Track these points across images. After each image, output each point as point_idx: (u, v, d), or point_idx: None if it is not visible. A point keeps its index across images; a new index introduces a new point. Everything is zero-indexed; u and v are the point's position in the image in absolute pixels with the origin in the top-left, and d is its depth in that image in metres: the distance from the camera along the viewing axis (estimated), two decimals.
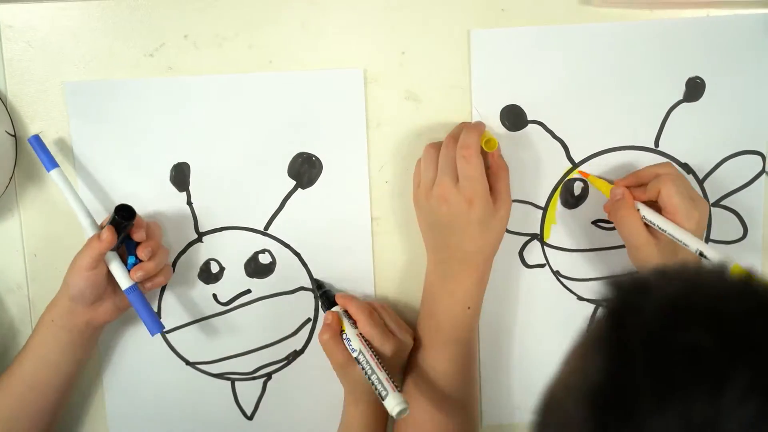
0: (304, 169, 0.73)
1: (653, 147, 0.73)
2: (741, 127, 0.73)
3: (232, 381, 0.78)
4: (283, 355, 0.76)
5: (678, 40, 0.71)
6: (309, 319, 0.76)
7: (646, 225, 0.67)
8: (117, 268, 0.68)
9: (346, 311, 0.71)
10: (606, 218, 0.73)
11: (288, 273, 0.75)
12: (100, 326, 0.71)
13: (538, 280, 0.76)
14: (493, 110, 0.72)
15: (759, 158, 0.73)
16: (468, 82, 0.71)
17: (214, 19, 0.70)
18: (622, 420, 0.32)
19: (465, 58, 0.71)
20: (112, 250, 0.68)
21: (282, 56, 0.71)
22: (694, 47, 0.71)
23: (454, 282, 0.69)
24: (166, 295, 0.75)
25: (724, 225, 0.74)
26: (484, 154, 0.68)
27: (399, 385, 0.67)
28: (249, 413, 0.78)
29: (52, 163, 0.69)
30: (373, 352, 0.67)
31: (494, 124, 0.72)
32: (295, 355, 0.76)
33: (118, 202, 0.70)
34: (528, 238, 0.75)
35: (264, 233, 0.75)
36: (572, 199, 0.74)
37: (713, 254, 0.62)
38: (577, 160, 0.73)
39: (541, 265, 0.76)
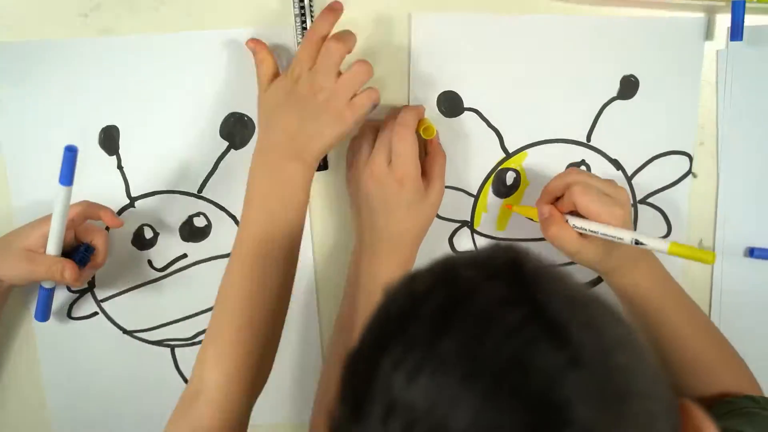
0: (237, 130, 0.72)
1: (585, 141, 0.74)
2: (671, 128, 0.74)
3: (172, 348, 0.77)
4: None
5: (616, 37, 0.72)
6: None
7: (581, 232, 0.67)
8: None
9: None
10: None
11: (224, 236, 0.74)
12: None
13: None
14: (431, 95, 0.72)
15: (686, 159, 0.75)
16: (407, 65, 0.71)
17: None
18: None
19: (405, 41, 0.71)
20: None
21: (217, 17, 0.70)
22: (631, 46, 0.72)
23: (378, 264, 0.69)
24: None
25: (649, 222, 0.76)
26: (422, 141, 0.68)
27: None
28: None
29: (69, 180, 0.64)
30: None
31: (431, 110, 0.72)
32: None
33: (46, 170, 0.69)
34: (458, 225, 0.76)
35: (198, 196, 0.74)
36: (504, 188, 0.75)
37: (647, 240, 0.63)
38: (510, 150, 0.74)
39: None
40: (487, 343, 0.36)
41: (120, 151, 0.72)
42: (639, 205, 0.76)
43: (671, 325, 0.68)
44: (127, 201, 0.73)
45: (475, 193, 0.75)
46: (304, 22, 0.68)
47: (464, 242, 0.76)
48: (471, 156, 0.73)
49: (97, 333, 0.75)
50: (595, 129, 0.74)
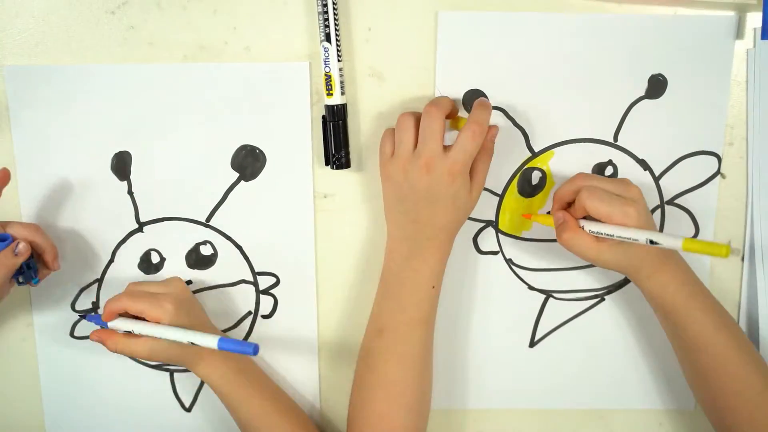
0: (248, 162, 0.73)
1: (612, 141, 0.73)
2: (699, 128, 0.73)
3: (171, 373, 0.77)
4: None
5: (644, 36, 0.71)
6: (250, 312, 0.76)
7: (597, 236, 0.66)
8: None
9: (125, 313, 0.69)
10: None
11: (229, 265, 0.75)
12: None
13: (490, 267, 0.76)
14: (456, 93, 0.71)
15: (715, 159, 0.74)
16: (433, 63, 0.71)
17: None
18: None
19: (431, 39, 0.71)
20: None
21: (245, 23, 0.70)
22: (659, 44, 0.71)
23: (420, 259, 0.68)
24: (105, 285, 0.75)
25: (676, 224, 0.75)
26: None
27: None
28: (187, 405, 0.78)
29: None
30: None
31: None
32: None
33: (58, 191, 0.71)
34: (483, 224, 0.75)
35: (206, 225, 0.74)
36: (529, 188, 0.74)
37: (661, 238, 0.62)
38: (536, 149, 0.73)
39: (494, 253, 0.76)
40: None
41: (131, 177, 0.73)
42: (666, 206, 0.75)
43: (698, 329, 0.67)
44: (136, 225, 0.74)
45: (500, 192, 0.74)
46: (327, 58, 0.68)
47: (488, 242, 0.75)
48: (496, 155, 0.72)
49: (98, 354, 0.75)
50: (623, 128, 0.73)
